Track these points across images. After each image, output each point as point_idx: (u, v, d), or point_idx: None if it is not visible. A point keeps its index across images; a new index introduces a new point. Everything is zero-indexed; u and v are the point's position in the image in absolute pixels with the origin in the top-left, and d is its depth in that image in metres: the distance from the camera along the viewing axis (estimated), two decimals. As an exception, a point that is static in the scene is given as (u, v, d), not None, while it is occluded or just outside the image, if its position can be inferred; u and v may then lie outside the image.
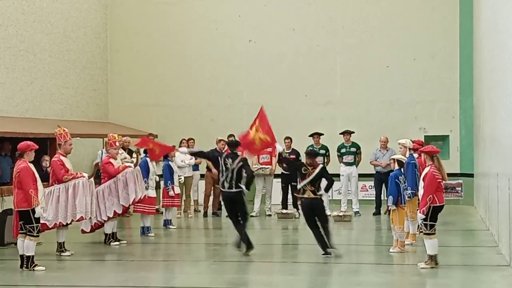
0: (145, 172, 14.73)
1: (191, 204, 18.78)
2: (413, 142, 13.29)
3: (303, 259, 12.27)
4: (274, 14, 20.97)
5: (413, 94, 20.24)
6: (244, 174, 12.59)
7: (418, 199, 11.36)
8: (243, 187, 12.51)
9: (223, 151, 16.40)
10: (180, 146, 18.12)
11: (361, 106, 20.41)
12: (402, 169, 12.49)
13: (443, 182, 11.06)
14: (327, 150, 18.09)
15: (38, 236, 11.34)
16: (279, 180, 18.04)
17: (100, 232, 13.96)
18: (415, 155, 12.89)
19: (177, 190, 16.30)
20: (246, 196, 12.60)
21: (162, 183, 16.24)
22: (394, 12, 20.42)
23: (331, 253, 11.99)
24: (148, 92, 21.43)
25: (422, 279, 10.49)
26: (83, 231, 13.58)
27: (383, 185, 17.52)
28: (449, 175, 19.27)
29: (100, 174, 14.14)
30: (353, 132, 18.23)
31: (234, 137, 18.15)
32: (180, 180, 16.91)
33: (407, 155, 12.84)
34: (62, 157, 12.54)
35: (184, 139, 18.05)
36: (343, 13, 20.63)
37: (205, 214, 18.25)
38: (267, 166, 17.94)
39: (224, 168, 12.50)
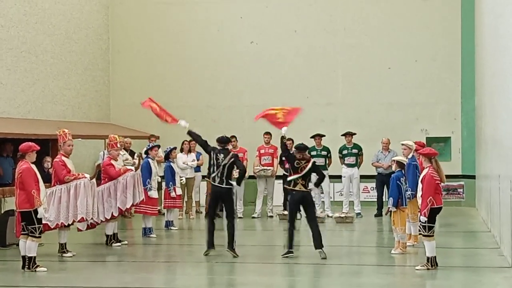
0: (148, 173, 14.75)
1: (193, 205, 18.78)
2: (414, 143, 13.29)
3: (304, 261, 12.26)
4: (275, 15, 20.98)
5: (415, 96, 20.24)
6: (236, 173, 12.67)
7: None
8: (234, 183, 12.64)
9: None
10: (181, 148, 18.14)
11: (362, 107, 20.41)
12: (403, 171, 12.50)
13: (442, 184, 11.06)
14: (328, 151, 18.09)
15: (40, 237, 11.35)
16: (281, 181, 18.04)
17: (102, 233, 13.97)
18: (417, 157, 12.89)
19: (179, 191, 16.31)
20: (235, 193, 12.67)
21: (163, 184, 16.25)
22: (396, 13, 20.42)
23: (290, 255, 12.09)
24: (149, 93, 21.25)
25: (423, 280, 10.49)
26: (78, 230, 13.45)
27: (385, 187, 17.52)
28: (451, 176, 19.54)
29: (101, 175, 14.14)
30: (355, 134, 18.24)
31: (235, 138, 18.24)
32: (181, 181, 16.92)
33: (410, 156, 12.84)
34: (63, 158, 12.56)
35: (186, 141, 18.05)
36: (343, 14, 20.63)
37: (207, 215, 18.21)
38: (268, 168, 17.95)
39: (215, 163, 12.53)
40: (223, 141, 12.90)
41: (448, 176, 18.78)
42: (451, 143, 20.16)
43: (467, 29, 19.78)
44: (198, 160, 18.35)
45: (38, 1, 18.19)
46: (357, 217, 17.71)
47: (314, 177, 12.53)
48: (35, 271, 11.17)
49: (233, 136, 18.25)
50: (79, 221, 12.72)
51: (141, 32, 21.54)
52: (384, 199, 17.60)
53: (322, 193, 18.15)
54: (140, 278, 10.94)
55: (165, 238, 15.14)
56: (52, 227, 12.42)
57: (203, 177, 17.96)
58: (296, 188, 12.20)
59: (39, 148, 11.59)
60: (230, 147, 18.02)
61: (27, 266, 11.22)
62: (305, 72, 20.77)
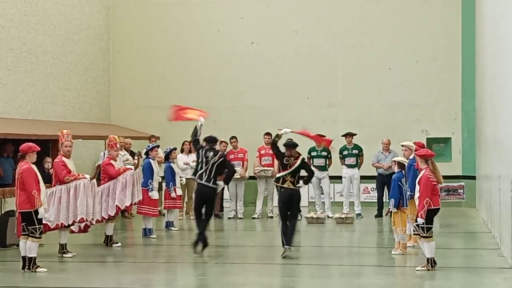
0: (149, 173, 14.77)
1: (193, 205, 18.75)
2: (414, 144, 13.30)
3: (304, 261, 12.27)
4: (275, 15, 20.98)
5: (415, 96, 20.24)
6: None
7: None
8: (221, 183, 12.75)
9: (225, 153, 16.45)
10: (182, 148, 18.14)
11: (363, 108, 20.41)
12: (403, 171, 12.50)
13: (441, 184, 11.07)
14: (328, 152, 18.05)
15: (40, 237, 11.35)
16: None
17: (102, 234, 13.96)
18: (416, 157, 12.90)
19: (179, 191, 16.32)
20: (219, 192, 12.68)
21: (164, 184, 16.25)
22: (396, 13, 20.42)
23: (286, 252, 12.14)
24: (150, 93, 21.44)
25: (423, 281, 10.49)
26: (72, 231, 13.21)
27: (385, 187, 17.53)
28: (451, 177, 19.56)
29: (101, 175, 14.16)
30: (355, 134, 18.24)
31: (236, 139, 18.24)
32: (181, 181, 16.93)
33: (411, 157, 12.83)
34: (64, 158, 12.57)
35: (186, 141, 18.05)
36: (344, 14, 20.63)
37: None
38: (269, 168, 17.94)
39: (204, 160, 12.54)
40: (211, 140, 12.93)
41: (448, 177, 19.05)
42: (451, 143, 20.16)
43: (467, 30, 19.78)
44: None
45: (39, 1, 18.19)
46: (358, 217, 17.70)
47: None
48: (35, 271, 11.17)
49: (234, 137, 18.28)
50: (79, 222, 12.71)
51: (141, 33, 21.55)
52: (384, 200, 17.62)
53: (323, 193, 18.16)
54: (140, 278, 10.94)
55: (166, 239, 15.15)
56: (52, 227, 12.42)
57: None
58: (285, 185, 12.23)
59: (39, 149, 11.59)
60: (230, 147, 18.20)
61: (27, 267, 11.22)
62: (305, 72, 20.77)
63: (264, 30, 20.98)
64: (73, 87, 19.69)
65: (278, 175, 12.43)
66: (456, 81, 20.09)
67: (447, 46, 20.10)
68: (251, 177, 18.25)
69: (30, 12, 17.86)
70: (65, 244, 12.72)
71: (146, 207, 14.70)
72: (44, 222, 11.57)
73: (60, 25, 19.09)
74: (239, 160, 18.07)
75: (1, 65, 16.74)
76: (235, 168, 17.66)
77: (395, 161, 12.70)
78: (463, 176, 19.99)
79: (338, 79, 20.72)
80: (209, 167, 12.53)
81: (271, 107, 20.73)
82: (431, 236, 10.89)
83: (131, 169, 13.91)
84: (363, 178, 18.42)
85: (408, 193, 12.34)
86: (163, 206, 16.36)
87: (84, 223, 13.05)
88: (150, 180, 14.74)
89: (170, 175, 15.97)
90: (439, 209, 11.03)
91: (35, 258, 11.25)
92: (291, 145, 12.47)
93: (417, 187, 11.02)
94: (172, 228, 16.09)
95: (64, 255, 12.58)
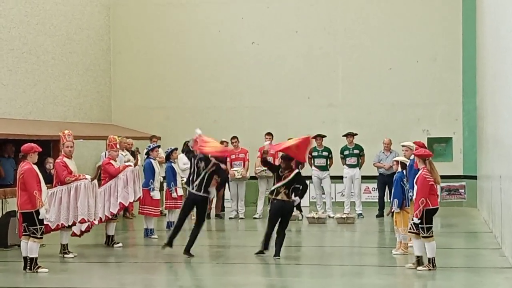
0: (151, 173, 14.79)
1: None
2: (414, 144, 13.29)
3: (305, 261, 12.28)
4: (276, 15, 20.98)
5: (416, 96, 20.23)
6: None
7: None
8: (212, 190, 12.69)
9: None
10: (183, 149, 18.10)
11: (363, 108, 20.41)
12: (405, 171, 12.50)
13: (439, 184, 11.07)
14: (329, 152, 18.09)
15: (41, 238, 11.35)
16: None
17: (103, 235, 13.96)
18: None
19: (180, 192, 16.31)
20: (211, 200, 12.66)
21: (165, 185, 16.26)
22: (396, 13, 20.41)
23: (265, 253, 12.22)
24: (150, 93, 21.45)
25: (424, 281, 10.49)
26: (74, 234, 13.27)
27: (386, 187, 17.53)
28: (452, 177, 19.57)
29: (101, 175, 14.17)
30: (356, 134, 18.25)
31: (237, 139, 18.23)
32: (182, 182, 16.92)
33: (412, 157, 12.82)
34: (65, 159, 12.58)
35: (187, 141, 18.04)
36: (344, 14, 20.62)
37: (208, 216, 18.22)
38: (269, 168, 17.92)
39: (196, 170, 12.53)
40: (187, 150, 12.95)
41: (449, 177, 19.07)
42: (452, 143, 20.15)
43: (468, 29, 19.77)
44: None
45: (39, 2, 18.19)
46: (359, 217, 17.70)
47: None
48: (37, 272, 11.17)
49: (234, 137, 18.28)
50: (80, 222, 12.71)
51: (142, 33, 21.55)
52: (385, 200, 17.62)
53: (324, 193, 18.17)
54: (141, 279, 10.95)
55: (167, 239, 15.11)
56: (53, 227, 12.43)
57: None
58: (278, 197, 12.15)
59: (40, 149, 11.59)
60: (231, 147, 18.19)
61: (28, 267, 11.22)
62: (305, 72, 20.77)
63: (265, 30, 20.98)
64: (73, 87, 19.70)
65: (272, 188, 12.39)
66: (457, 80, 20.09)
67: (447, 46, 20.10)
68: (252, 177, 18.25)
69: (31, 13, 17.87)
70: (67, 245, 12.72)
71: (148, 207, 14.72)
72: (45, 222, 11.58)
73: (60, 26, 19.10)
74: (240, 160, 18.08)
75: (2, 65, 16.75)
76: (236, 168, 17.83)
77: (397, 161, 12.68)
78: (464, 176, 19.98)
79: (338, 79, 20.72)
80: (201, 177, 12.50)
81: (271, 107, 20.73)
82: (432, 236, 10.89)
83: (131, 165, 13.95)
84: (364, 178, 18.42)
85: (410, 193, 12.34)
86: (164, 206, 16.35)
87: (84, 224, 13.06)
88: (151, 180, 14.77)
89: (171, 175, 15.96)
90: (437, 208, 11.03)
91: (36, 258, 11.25)
92: (286, 157, 12.44)
93: (415, 187, 11.04)
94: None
95: (66, 256, 12.58)
